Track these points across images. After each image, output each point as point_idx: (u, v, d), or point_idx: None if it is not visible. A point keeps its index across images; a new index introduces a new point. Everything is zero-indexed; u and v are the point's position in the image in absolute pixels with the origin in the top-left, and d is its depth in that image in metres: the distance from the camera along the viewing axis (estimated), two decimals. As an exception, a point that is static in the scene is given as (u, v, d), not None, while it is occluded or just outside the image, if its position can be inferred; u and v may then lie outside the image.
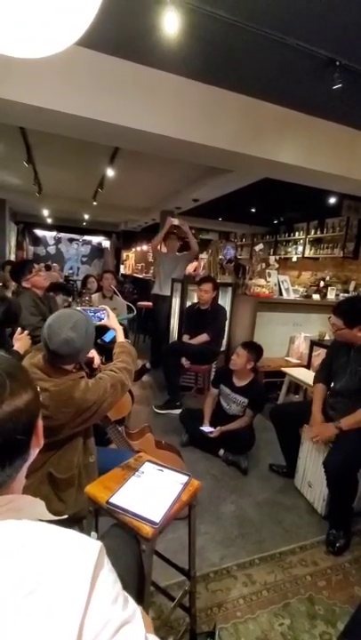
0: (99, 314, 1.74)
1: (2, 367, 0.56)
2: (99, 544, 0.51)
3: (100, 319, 1.72)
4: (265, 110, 3.00)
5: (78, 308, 1.57)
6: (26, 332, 1.98)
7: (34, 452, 0.60)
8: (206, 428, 2.67)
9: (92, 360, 1.66)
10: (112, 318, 1.72)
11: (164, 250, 4.42)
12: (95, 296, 4.08)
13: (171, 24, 2.01)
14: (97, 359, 1.68)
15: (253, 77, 2.66)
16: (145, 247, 10.80)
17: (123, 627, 0.48)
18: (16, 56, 1.04)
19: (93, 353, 1.65)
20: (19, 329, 1.99)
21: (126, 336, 1.79)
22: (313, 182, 3.82)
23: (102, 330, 1.70)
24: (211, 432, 2.63)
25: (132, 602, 0.52)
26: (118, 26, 2.18)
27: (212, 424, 2.70)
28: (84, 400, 1.27)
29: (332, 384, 2.25)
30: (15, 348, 1.91)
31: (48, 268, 10.50)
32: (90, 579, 0.47)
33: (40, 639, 0.42)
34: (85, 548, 0.50)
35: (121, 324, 1.79)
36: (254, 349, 2.71)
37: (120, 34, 2.27)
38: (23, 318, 2.24)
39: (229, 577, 1.69)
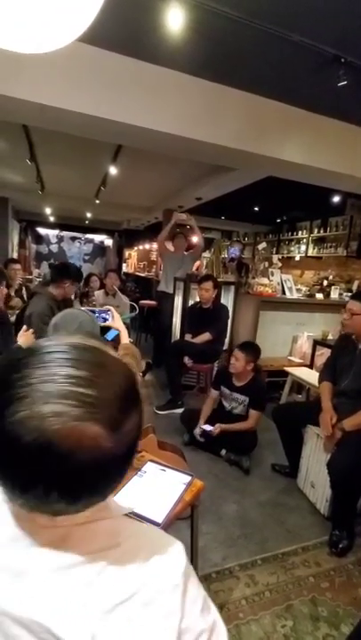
0: (103, 314, 1.72)
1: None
2: (182, 545, 0.50)
3: (105, 320, 1.70)
4: (269, 108, 2.98)
5: (84, 309, 1.56)
6: (31, 330, 2.00)
7: None
8: (207, 427, 2.64)
9: None
10: (117, 319, 1.70)
11: (172, 249, 4.40)
12: (98, 293, 4.08)
13: (174, 20, 1.99)
14: None
15: (257, 74, 2.64)
16: (148, 246, 10.79)
17: (214, 629, 0.48)
18: (18, 52, 1.04)
19: None
20: (24, 327, 2.02)
21: (128, 335, 1.77)
22: (317, 180, 3.79)
23: (105, 328, 1.69)
24: (211, 430, 2.61)
25: (212, 605, 0.51)
26: (121, 22, 2.17)
27: (216, 423, 2.68)
28: None
29: (337, 384, 2.23)
30: (19, 342, 1.94)
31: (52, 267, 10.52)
32: (183, 583, 0.46)
33: None
34: (175, 548, 0.49)
35: (124, 323, 1.78)
36: (251, 350, 2.69)
37: (123, 30, 2.26)
38: (33, 324, 2.21)
39: (232, 577, 1.68)
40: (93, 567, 0.44)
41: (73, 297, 2.99)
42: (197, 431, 2.68)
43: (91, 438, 0.40)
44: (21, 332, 1.98)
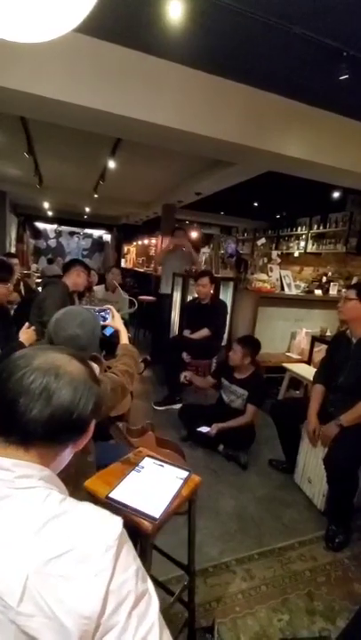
0: (103, 313, 1.72)
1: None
2: (121, 520, 0.56)
3: (105, 319, 1.70)
4: (269, 102, 2.95)
5: (86, 307, 1.55)
6: (32, 327, 2.03)
7: (75, 447, 0.67)
8: (203, 429, 2.63)
9: None
10: (116, 319, 1.69)
11: (171, 246, 4.39)
12: (98, 288, 4.07)
13: (175, 11, 1.96)
14: (95, 370, 1.63)
15: (258, 68, 2.61)
16: (146, 241, 10.74)
17: (143, 597, 0.52)
18: (16, 41, 1.02)
19: (92, 364, 1.60)
20: (27, 323, 2.04)
21: (126, 329, 1.76)
22: (317, 176, 3.77)
23: (103, 325, 1.68)
24: (208, 432, 2.61)
25: (149, 580, 0.56)
26: (121, 13, 2.13)
27: (213, 420, 2.68)
28: None
29: (333, 381, 2.23)
30: (21, 339, 1.94)
31: (51, 262, 10.48)
32: (115, 550, 0.52)
33: (71, 599, 0.48)
34: (111, 522, 0.56)
35: (122, 318, 1.77)
36: (250, 344, 2.70)
37: (123, 21, 2.22)
38: (47, 308, 2.26)
39: (228, 572, 1.69)
40: (41, 518, 0.53)
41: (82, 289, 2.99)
42: (203, 429, 2.65)
43: None
44: (23, 329, 1.99)
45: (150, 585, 0.55)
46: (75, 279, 2.66)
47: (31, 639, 0.47)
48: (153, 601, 0.54)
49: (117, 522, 0.56)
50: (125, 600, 0.50)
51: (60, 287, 2.58)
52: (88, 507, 0.58)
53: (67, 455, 0.67)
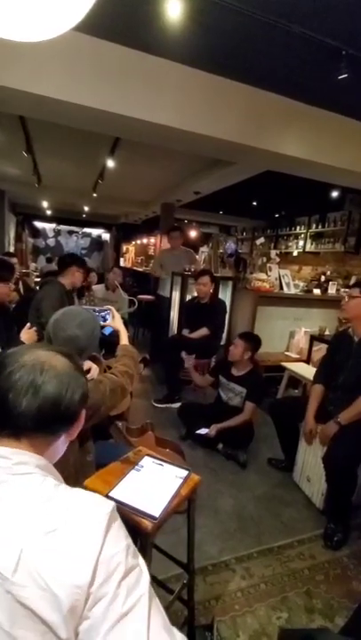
0: (103, 314, 1.71)
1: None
2: (113, 502, 0.60)
3: (105, 319, 1.69)
4: (269, 101, 2.95)
5: (86, 307, 1.54)
6: (34, 328, 2.02)
7: (68, 436, 0.72)
8: (202, 430, 2.63)
9: (88, 370, 1.61)
10: (117, 319, 1.69)
11: (168, 245, 4.40)
12: (97, 287, 4.06)
13: (174, 10, 1.96)
14: (94, 371, 1.62)
15: (257, 67, 2.61)
16: (145, 240, 10.74)
17: (132, 570, 0.55)
18: (15, 39, 1.02)
19: (91, 364, 1.59)
20: (28, 324, 2.03)
21: (126, 329, 1.76)
22: (316, 175, 3.77)
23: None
24: (207, 433, 2.60)
25: (140, 557, 0.59)
26: (120, 11, 2.13)
27: (212, 419, 2.68)
28: None
29: (334, 380, 2.24)
30: (22, 339, 1.94)
31: (50, 261, 10.45)
32: (105, 525, 0.56)
33: (62, 570, 0.51)
34: (102, 502, 0.60)
35: (122, 318, 1.77)
36: (251, 339, 2.71)
37: (122, 20, 2.22)
38: (44, 309, 2.24)
39: (228, 570, 1.69)
40: (37, 499, 0.57)
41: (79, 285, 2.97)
42: (202, 431, 2.65)
43: None
44: (25, 329, 1.98)
45: (142, 561, 0.58)
46: (71, 279, 2.65)
47: (25, 608, 0.50)
48: (143, 575, 0.56)
49: (109, 502, 0.60)
50: (115, 571, 0.53)
51: (56, 287, 2.56)
52: (82, 491, 0.62)
53: (61, 444, 0.71)
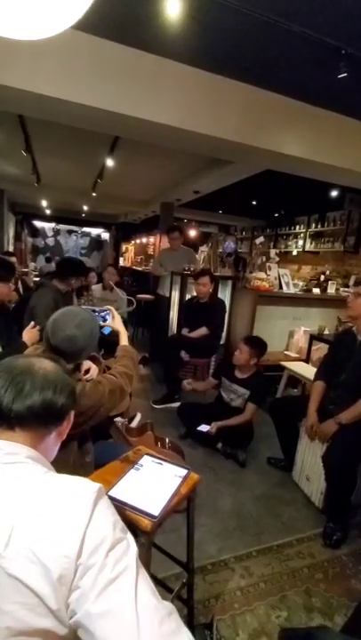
0: (103, 314, 1.71)
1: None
2: (99, 484, 0.63)
3: (105, 320, 1.69)
4: (268, 100, 2.94)
5: (85, 307, 1.54)
6: (38, 327, 1.99)
7: (59, 435, 0.78)
8: (203, 427, 2.63)
9: (88, 370, 1.58)
10: (117, 320, 1.68)
11: (168, 245, 4.39)
12: (96, 287, 4.06)
13: (173, 8, 1.96)
14: (93, 371, 1.61)
15: (257, 65, 2.61)
16: (145, 240, 10.73)
17: (119, 542, 0.57)
18: (13, 38, 1.01)
19: (90, 364, 1.59)
20: (32, 322, 2.01)
21: (125, 328, 1.75)
22: (316, 175, 3.77)
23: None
24: (208, 430, 2.60)
25: (129, 533, 0.62)
26: (119, 10, 2.13)
27: (212, 418, 2.68)
28: (79, 405, 1.23)
29: (335, 378, 2.23)
30: (24, 339, 1.92)
31: (49, 261, 10.45)
32: (93, 500, 0.59)
33: (51, 543, 0.54)
34: (90, 482, 0.64)
35: (121, 317, 1.77)
36: (257, 346, 2.67)
37: (122, 18, 2.21)
38: (37, 316, 2.21)
39: (227, 569, 1.69)
40: (27, 483, 0.61)
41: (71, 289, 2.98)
42: (203, 428, 2.65)
43: None
44: (27, 329, 1.96)
45: (130, 536, 0.60)
46: (67, 284, 2.63)
47: (16, 581, 0.52)
48: (131, 548, 0.58)
49: (96, 483, 0.63)
50: (102, 543, 0.55)
51: (49, 292, 2.51)
52: (70, 476, 0.66)
53: (53, 441, 0.76)
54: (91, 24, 2.17)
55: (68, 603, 0.53)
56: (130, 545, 0.59)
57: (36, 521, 0.56)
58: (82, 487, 0.62)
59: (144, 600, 0.53)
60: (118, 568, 0.54)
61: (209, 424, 2.62)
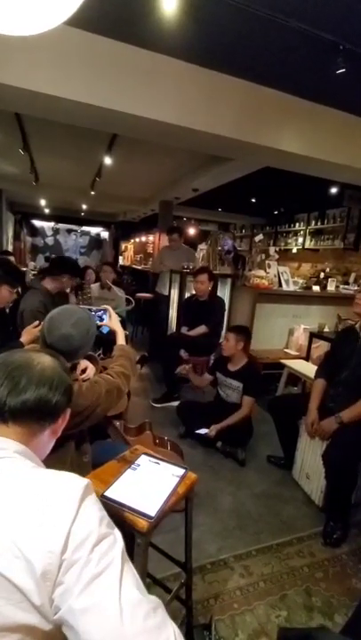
0: (100, 313, 1.70)
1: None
2: (88, 480, 0.63)
3: (102, 319, 1.68)
4: (267, 96, 2.92)
5: (82, 307, 1.53)
6: (38, 328, 1.95)
7: (53, 433, 0.77)
8: (202, 431, 2.61)
9: (84, 370, 1.57)
10: (114, 319, 1.67)
11: (168, 243, 4.38)
12: (94, 286, 4.04)
13: (169, 4, 1.94)
14: (90, 371, 1.58)
15: (255, 62, 2.59)
16: (144, 238, 10.71)
17: (105, 537, 0.57)
18: (5, 33, 1.00)
19: (87, 364, 1.58)
20: (36, 322, 1.98)
21: (124, 327, 1.75)
22: (315, 171, 3.75)
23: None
24: (207, 433, 2.59)
25: (116, 528, 0.61)
26: (114, 6, 2.10)
27: (211, 417, 2.66)
28: (75, 405, 1.22)
29: (336, 376, 2.22)
30: (21, 339, 1.90)
31: (48, 260, 10.40)
32: (79, 496, 0.59)
33: (37, 538, 0.54)
34: (78, 478, 0.63)
35: (119, 316, 1.76)
36: (240, 330, 2.73)
37: (117, 14, 2.19)
38: (25, 321, 2.19)
39: (226, 568, 1.68)
40: (14, 478, 0.61)
41: (68, 290, 2.97)
42: (202, 431, 2.64)
43: None
44: (29, 328, 1.94)
45: (117, 532, 0.60)
46: (58, 285, 2.60)
47: (0, 576, 0.52)
48: (117, 542, 0.58)
49: (84, 479, 0.63)
50: (88, 538, 0.55)
51: (37, 296, 2.47)
52: (58, 471, 0.65)
53: (46, 438, 0.76)
54: (85, 20, 2.15)
55: (53, 598, 0.52)
56: (116, 540, 0.58)
57: (22, 516, 0.56)
58: (69, 483, 0.62)
59: (128, 594, 0.52)
60: (103, 563, 0.54)
61: (208, 425, 2.60)
